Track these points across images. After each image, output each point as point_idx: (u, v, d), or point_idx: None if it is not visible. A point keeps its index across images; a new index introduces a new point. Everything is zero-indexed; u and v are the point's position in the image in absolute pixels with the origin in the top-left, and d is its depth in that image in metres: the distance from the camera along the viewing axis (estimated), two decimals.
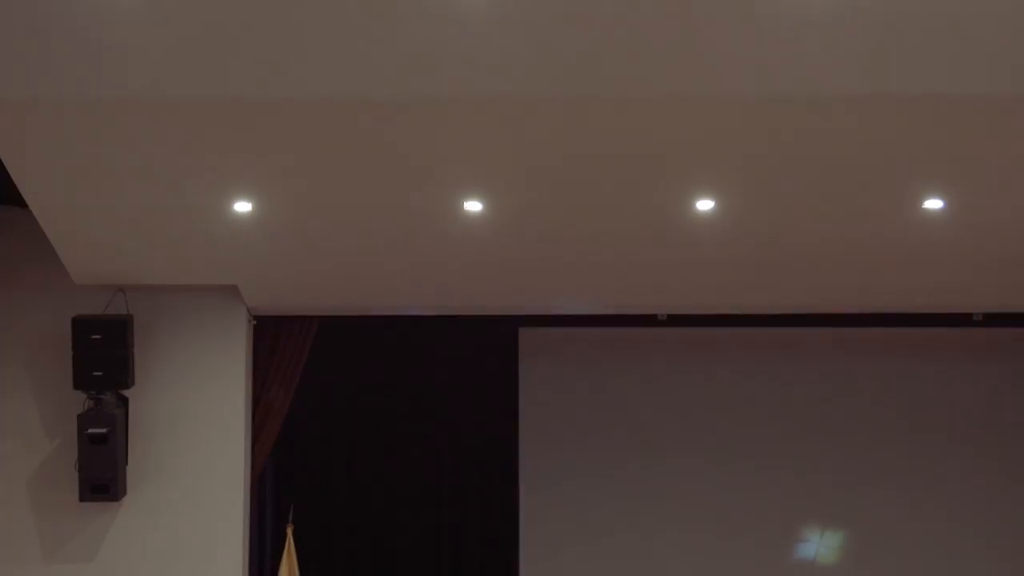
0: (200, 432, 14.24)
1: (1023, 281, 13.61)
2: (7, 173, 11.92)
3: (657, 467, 17.12)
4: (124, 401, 14.00)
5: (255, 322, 14.58)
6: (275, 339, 14.77)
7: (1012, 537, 17.02)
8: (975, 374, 17.27)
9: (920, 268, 13.37)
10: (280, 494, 16.76)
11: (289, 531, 14.82)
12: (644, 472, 17.10)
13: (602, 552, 16.97)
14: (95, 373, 13.60)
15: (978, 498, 17.06)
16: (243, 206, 12.40)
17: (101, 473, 13.74)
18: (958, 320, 16.39)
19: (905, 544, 16.98)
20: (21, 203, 12.66)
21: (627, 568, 16.92)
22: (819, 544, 17.01)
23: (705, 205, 12.22)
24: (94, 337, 13.56)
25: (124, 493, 13.98)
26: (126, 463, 13.99)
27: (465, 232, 12.73)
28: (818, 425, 17.16)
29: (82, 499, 13.85)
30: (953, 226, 12.53)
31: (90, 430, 13.58)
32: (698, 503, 17.08)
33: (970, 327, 16.67)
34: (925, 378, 17.28)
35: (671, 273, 13.55)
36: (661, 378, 17.34)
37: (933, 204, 12.17)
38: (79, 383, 13.59)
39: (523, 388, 17.35)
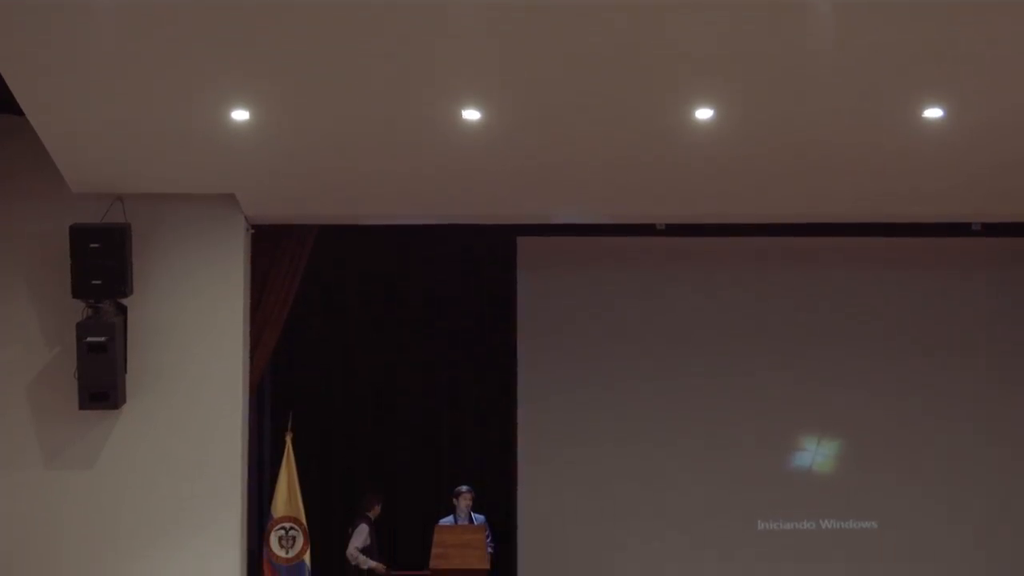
0: (199, 340, 14.26)
1: (1021, 189, 13.59)
2: (3, 81, 11.85)
3: (654, 375, 17.17)
4: (123, 309, 14.00)
5: (253, 231, 14.55)
6: (273, 248, 14.76)
7: (1011, 443, 17.08)
8: (974, 283, 17.28)
9: (919, 176, 13.34)
10: (279, 402, 16.82)
11: (288, 438, 14.89)
12: (641, 380, 17.15)
13: (599, 459, 17.04)
14: (94, 281, 13.60)
15: (977, 405, 17.11)
16: (241, 114, 12.35)
17: (100, 381, 13.77)
18: (957, 229, 16.40)
19: (903, 451, 17.05)
20: (17, 111, 12.60)
21: (623, 474, 16.99)
22: (815, 452, 17.09)
23: (704, 114, 12.17)
24: (92, 246, 13.53)
25: (123, 401, 14.02)
26: (125, 371, 14.02)
27: (463, 140, 12.69)
28: (816, 334, 17.18)
29: (81, 407, 13.89)
30: (952, 133, 12.49)
31: (89, 338, 13.59)
32: (695, 410, 17.13)
33: (969, 236, 16.67)
34: (924, 287, 17.29)
35: (670, 182, 13.52)
36: (659, 287, 17.35)
37: (932, 112, 12.12)
38: (78, 291, 13.58)
39: (521, 297, 17.37)
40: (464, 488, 14.74)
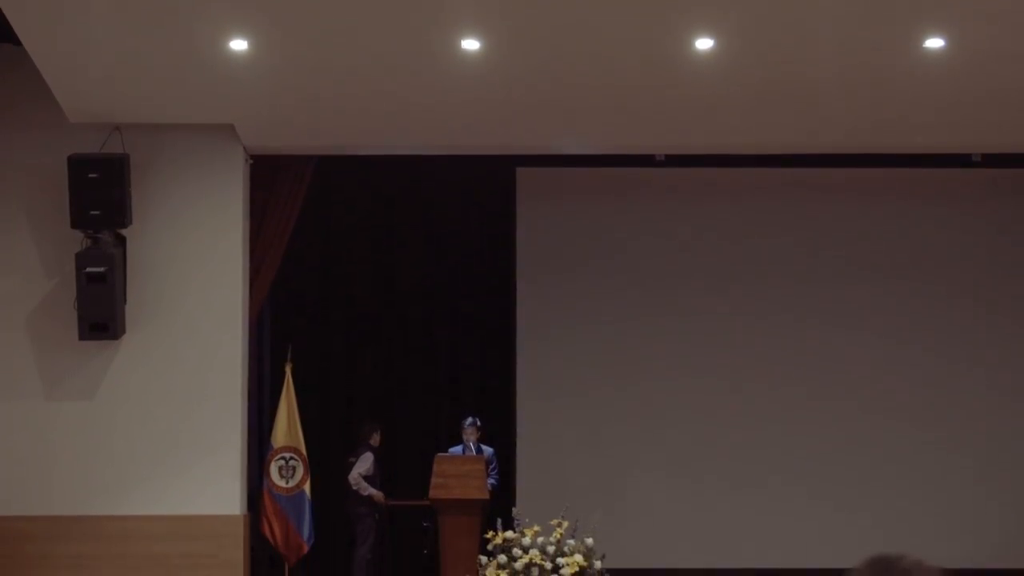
0: (198, 271, 14.26)
1: (1021, 120, 13.55)
2: (0, 11, 11.79)
3: (654, 307, 17.17)
4: (122, 240, 14.00)
5: (252, 162, 14.53)
6: (272, 179, 14.74)
7: (1011, 379, 17.11)
8: (974, 214, 17.26)
9: (919, 106, 13.31)
10: (278, 333, 16.84)
11: (288, 369, 14.93)
12: (640, 311, 17.15)
13: (598, 392, 17.07)
14: (92, 212, 13.59)
15: (976, 339, 17.13)
16: (239, 44, 12.30)
17: (100, 312, 13.79)
18: (957, 160, 16.36)
19: (903, 387, 17.07)
20: (14, 40, 12.54)
21: (623, 407, 17.03)
22: None
23: (704, 44, 12.12)
24: (91, 176, 13.51)
25: (123, 332, 14.04)
26: (124, 302, 14.03)
27: (463, 71, 12.64)
28: (815, 267, 17.18)
29: (81, 337, 13.92)
30: (952, 63, 12.44)
31: (88, 269, 13.60)
32: (695, 342, 17.14)
33: (969, 167, 16.64)
34: (923, 219, 17.27)
35: (669, 113, 13.48)
36: (659, 218, 17.33)
37: (933, 42, 12.07)
38: (76, 222, 13.57)
39: (520, 228, 17.35)
40: (468, 420, 14.80)
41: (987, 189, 17.24)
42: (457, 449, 14.55)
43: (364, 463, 14.82)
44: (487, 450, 14.69)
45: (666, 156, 16.01)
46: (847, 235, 17.22)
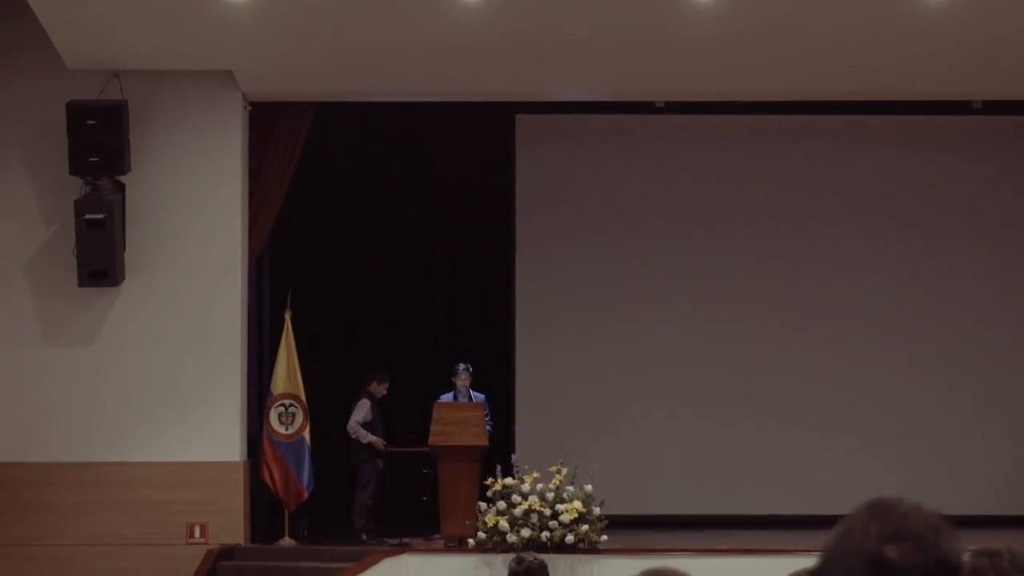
0: (197, 218, 14.26)
1: (1021, 67, 13.52)
2: None
3: (653, 253, 17.15)
4: (120, 187, 13.99)
5: (251, 108, 14.50)
6: (271, 126, 14.70)
7: (1009, 324, 17.11)
8: (974, 162, 17.22)
9: (920, 53, 13.27)
10: (278, 280, 16.83)
11: (287, 316, 14.93)
12: (640, 257, 17.12)
13: (597, 336, 17.08)
14: (91, 159, 13.58)
15: (975, 285, 17.11)
16: None
17: (99, 258, 13.80)
18: (958, 107, 16.31)
19: (902, 329, 17.06)
20: None
21: (621, 351, 17.03)
22: None
23: None
24: (89, 123, 13.49)
25: (123, 278, 14.05)
26: (124, 249, 14.03)
27: (462, 16, 12.59)
28: (815, 212, 17.14)
29: (81, 284, 13.93)
30: (954, 9, 12.40)
31: (87, 216, 13.60)
32: (694, 288, 17.12)
33: (969, 115, 16.59)
34: (924, 166, 17.23)
35: (670, 59, 13.44)
36: (658, 165, 17.29)
37: None
38: (75, 169, 13.56)
39: (520, 174, 17.31)
40: (462, 367, 14.80)
41: (987, 136, 17.19)
42: (448, 396, 14.57)
43: (360, 411, 14.83)
44: (478, 396, 14.71)
45: (666, 103, 15.96)
46: (846, 182, 17.18)
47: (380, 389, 15.11)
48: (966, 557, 2.66)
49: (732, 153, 17.19)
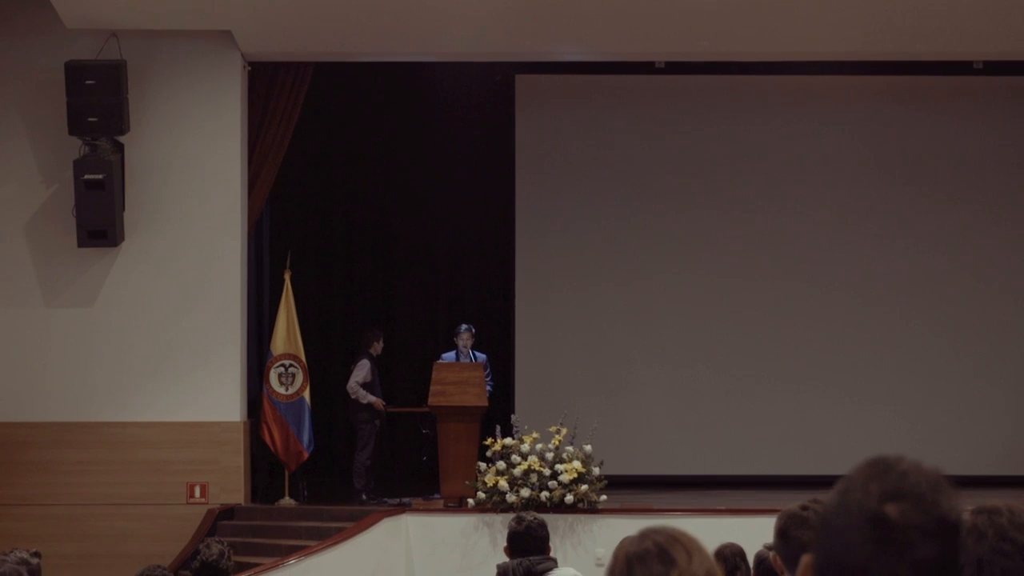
0: (196, 178, 14.25)
1: (1022, 28, 13.49)
2: None
3: (653, 213, 17.13)
4: (119, 147, 13.97)
5: (250, 68, 14.47)
6: (270, 86, 14.68)
7: (1008, 280, 17.09)
8: (975, 121, 17.19)
9: (920, 12, 13.23)
10: (277, 241, 16.84)
11: (287, 276, 14.93)
12: (640, 217, 17.11)
13: (596, 295, 17.08)
14: (90, 119, 13.56)
15: (975, 244, 17.10)
16: None
17: (98, 219, 13.80)
18: (958, 68, 16.29)
19: (903, 286, 17.05)
20: None
21: (621, 310, 17.03)
22: None
23: None
24: (88, 83, 13.47)
25: (122, 238, 14.05)
26: (123, 209, 14.03)
27: None
28: (815, 173, 17.12)
29: (80, 244, 13.93)
30: None
31: (86, 176, 13.59)
32: (693, 247, 17.10)
33: (970, 75, 16.56)
34: (925, 125, 17.20)
35: (670, 19, 13.40)
36: (658, 125, 17.25)
37: None
38: (74, 129, 13.54)
39: (519, 135, 17.28)
40: (463, 327, 14.80)
41: (988, 96, 17.16)
42: (450, 355, 14.56)
43: (360, 371, 14.84)
44: (480, 356, 14.71)
45: (666, 63, 15.93)
46: (846, 141, 17.15)
47: (378, 347, 15.13)
48: (965, 515, 2.67)
49: (732, 113, 17.16)
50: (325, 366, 16.39)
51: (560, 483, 13.23)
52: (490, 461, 13.42)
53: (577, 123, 17.22)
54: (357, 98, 17.34)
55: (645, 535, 2.85)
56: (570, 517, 13.20)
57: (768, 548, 6.05)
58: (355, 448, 14.93)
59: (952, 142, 17.14)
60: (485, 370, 14.37)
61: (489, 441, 13.53)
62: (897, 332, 17.00)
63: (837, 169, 17.11)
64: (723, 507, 13.54)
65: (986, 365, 17.03)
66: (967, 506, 2.46)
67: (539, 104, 17.25)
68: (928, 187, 17.08)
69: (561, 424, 13.58)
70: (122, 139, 13.94)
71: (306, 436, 14.64)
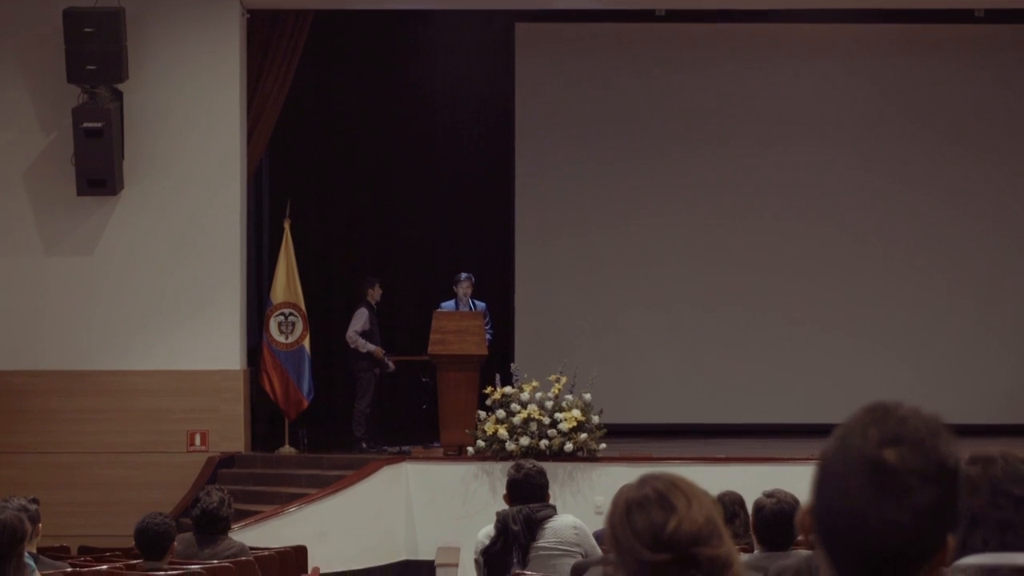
0: (196, 126, 14.22)
1: None
2: None
3: (653, 161, 17.10)
4: (118, 95, 13.93)
5: (249, 16, 14.41)
6: (269, 33, 14.62)
7: (1008, 230, 17.07)
8: (975, 69, 17.14)
9: None
10: (277, 190, 16.81)
11: (286, 225, 14.91)
12: (639, 165, 17.07)
13: (596, 243, 17.06)
14: (88, 67, 13.51)
15: (975, 193, 17.07)
16: None
17: (98, 167, 13.78)
18: (960, 16, 16.23)
19: (905, 236, 17.03)
20: None
21: (620, 258, 17.01)
22: None
23: None
24: (87, 30, 13.41)
25: (121, 187, 14.03)
26: (122, 157, 14.00)
27: None
28: (815, 121, 17.08)
29: (80, 193, 13.91)
30: None
31: (85, 124, 13.56)
32: (693, 194, 17.06)
33: (971, 23, 16.50)
34: (926, 74, 17.15)
35: None
36: (658, 73, 17.20)
37: None
38: (73, 77, 13.50)
39: (519, 83, 17.23)
40: (463, 275, 14.78)
41: (988, 44, 17.09)
42: (450, 304, 14.55)
43: (358, 320, 14.83)
44: (480, 305, 14.70)
45: (666, 11, 15.88)
46: (849, 89, 17.10)
47: (375, 294, 15.10)
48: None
49: (732, 61, 17.10)
50: (325, 315, 16.38)
51: (559, 431, 13.26)
52: (489, 409, 13.44)
53: (577, 71, 17.17)
54: (356, 46, 17.27)
55: (644, 481, 2.86)
56: (569, 465, 13.24)
57: (768, 496, 6.07)
58: (355, 397, 14.95)
59: (955, 90, 17.09)
60: (485, 319, 14.36)
61: (489, 389, 13.55)
62: (899, 280, 17.01)
63: (839, 117, 17.07)
64: (722, 455, 13.58)
65: (988, 313, 17.03)
66: (965, 453, 2.46)
67: (539, 52, 17.20)
68: (932, 135, 17.05)
69: (561, 372, 13.60)
70: (121, 87, 13.90)
71: (306, 384, 14.66)
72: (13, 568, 5.67)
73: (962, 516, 2.71)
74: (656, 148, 17.11)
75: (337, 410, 15.86)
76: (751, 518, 6.14)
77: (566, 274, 17.05)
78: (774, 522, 5.88)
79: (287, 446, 14.65)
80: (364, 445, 14.66)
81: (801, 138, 17.04)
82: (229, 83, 14.27)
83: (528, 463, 7.46)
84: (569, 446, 13.22)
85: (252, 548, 8.94)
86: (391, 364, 15.01)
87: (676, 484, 2.84)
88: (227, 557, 8.07)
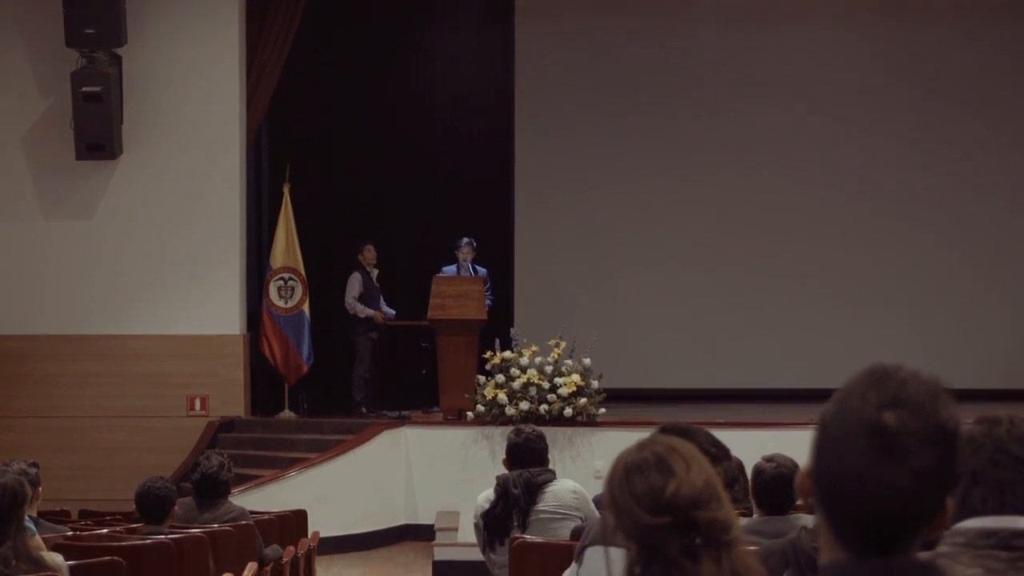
0: (195, 90, 14.19)
1: None
2: None
3: (653, 118, 17.04)
4: (117, 60, 13.90)
5: None
6: None
7: (1013, 187, 17.05)
8: (977, 32, 17.10)
9: None
10: (276, 155, 16.78)
11: (286, 190, 14.90)
12: (640, 122, 17.01)
13: (596, 203, 17.03)
14: (87, 31, 13.47)
15: (980, 154, 17.04)
16: None
17: (97, 131, 13.76)
18: None
19: (912, 196, 17.00)
20: None
21: (620, 217, 16.98)
22: None
23: None
24: None
25: (120, 151, 14.01)
26: (121, 122, 13.98)
27: None
28: (820, 82, 17.02)
29: (79, 157, 13.90)
30: None
31: (84, 88, 13.53)
32: (693, 153, 17.02)
33: None
34: (927, 38, 17.11)
35: None
36: (660, 33, 17.14)
37: None
38: (72, 40, 13.46)
39: (519, 44, 17.18)
40: (464, 240, 14.76)
41: (988, 5, 17.04)
42: (451, 269, 14.54)
43: (352, 286, 14.80)
44: (481, 270, 14.68)
45: None
46: (851, 51, 17.04)
47: (368, 257, 15.07)
48: (966, 425, 2.67)
49: (731, 22, 17.05)
50: (324, 280, 16.37)
51: (559, 396, 13.27)
52: (489, 374, 13.45)
53: (576, 33, 17.13)
54: (356, 9, 17.22)
55: (643, 445, 2.86)
56: (569, 430, 13.26)
57: (767, 460, 6.07)
58: (354, 361, 14.96)
59: (958, 52, 17.05)
60: (485, 284, 14.35)
61: (488, 354, 13.55)
62: (900, 244, 17.00)
63: (841, 80, 17.03)
64: (722, 420, 13.58)
65: (989, 278, 17.02)
66: (968, 417, 2.46)
67: (539, 13, 17.15)
68: (933, 98, 17.01)
69: (560, 337, 13.60)
70: (120, 51, 13.87)
71: (305, 349, 14.67)
72: (14, 531, 5.68)
73: (963, 474, 2.72)
74: (658, 111, 17.06)
75: (337, 374, 15.87)
76: (750, 482, 6.15)
77: (566, 240, 17.03)
78: (773, 486, 5.89)
79: (287, 411, 14.67)
80: (364, 410, 14.68)
81: (803, 101, 17.00)
82: (228, 47, 14.23)
83: (528, 428, 7.47)
84: (568, 411, 13.23)
85: (252, 512, 8.96)
86: (389, 312, 14.98)
87: (675, 448, 2.84)
88: (227, 521, 8.09)
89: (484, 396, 13.34)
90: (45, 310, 14.12)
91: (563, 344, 13.56)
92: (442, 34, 17.47)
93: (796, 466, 5.87)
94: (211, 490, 8.25)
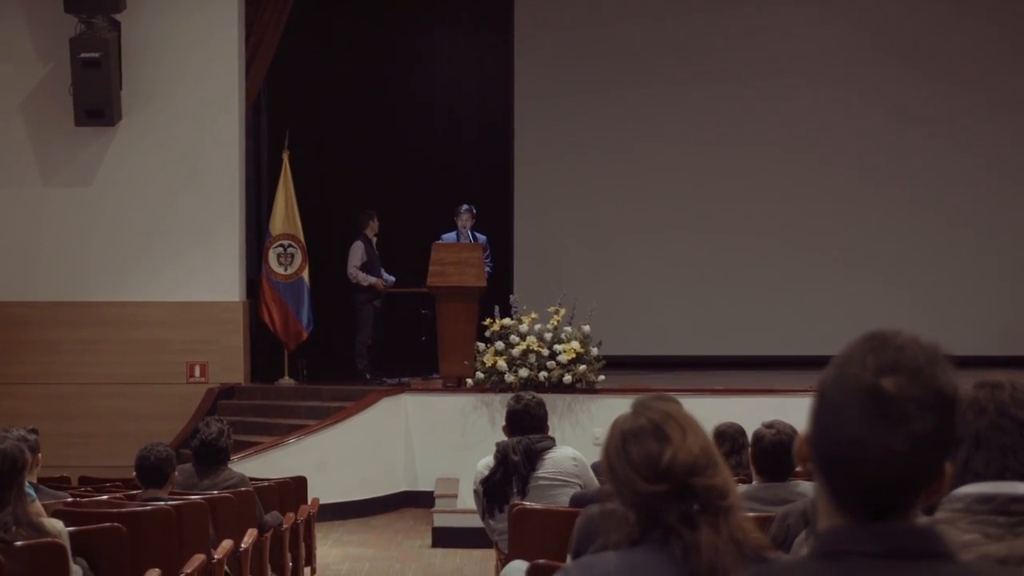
0: (194, 56, 14.15)
1: None
2: None
3: (653, 91, 17.03)
4: (116, 25, 13.86)
5: None
6: None
7: (1011, 156, 17.05)
8: (973, 6, 17.08)
9: None
10: (276, 122, 16.74)
11: (285, 157, 14.87)
12: (639, 91, 17.00)
13: (596, 174, 17.03)
14: None
15: (976, 123, 17.03)
16: None
17: (95, 97, 13.72)
18: None
19: (909, 165, 16.99)
20: None
21: (618, 187, 16.98)
22: None
23: None
24: None
25: (119, 118, 13.98)
26: (120, 88, 13.94)
27: None
28: (820, 53, 17.00)
29: (78, 124, 13.87)
30: None
31: (83, 54, 13.49)
32: (692, 126, 17.01)
33: None
34: (923, 9, 17.08)
35: None
36: (657, 8, 17.11)
37: None
38: (70, 6, 13.42)
39: (518, 13, 17.16)
40: (464, 207, 14.74)
41: None
42: (451, 236, 14.51)
43: (355, 254, 14.79)
44: (480, 237, 14.67)
45: None
46: (849, 23, 17.02)
47: (373, 227, 15.09)
48: (967, 388, 2.66)
49: None
50: (324, 246, 16.35)
51: (558, 363, 13.27)
52: (489, 341, 13.45)
53: (576, 6, 17.10)
54: None
55: (639, 412, 2.85)
56: (568, 397, 13.26)
57: (767, 427, 6.07)
58: (355, 329, 14.95)
59: (953, 24, 17.04)
60: (485, 251, 14.33)
61: (488, 321, 13.55)
62: (899, 211, 17.01)
63: (839, 50, 17.02)
64: (721, 387, 13.60)
65: (987, 246, 17.02)
66: (966, 383, 2.45)
67: None
68: (930, 68, 16.99)
69: (560, 304, 13.59)
70: (118, 17, 13.82)
71: (305, 316, 14.67)
72: (14, 497, 5.69)
73: (966, 437, 2.72)
74: (657, 80, 17.04)
75: (336, 341, 15.87)
76: (750, 449, 6.16)
77: (566, 207, 17.02)
78: (773, 453, 5.90)
79: (286, 377, 14.68)
80: (368, 376, 14.68)
81: (801, 70, 16.98)
82: (227, 13, 14.19)
83: (527, 395, 7.47)
84: (568, 378, 13.24)
85: (252, 479, 8.98)
86: (389, 279, 14.99)
87: (671, 415, 2.84)
88: (227, 488, 8.10)
89: (483, 363, 13.35)
90: (44, 276, 14.11)
91: (562, 311, 13.56)
92: (442, 6, 17.44)
93: (795, 432, 5.87)
94: (211, 457, 8.26)
